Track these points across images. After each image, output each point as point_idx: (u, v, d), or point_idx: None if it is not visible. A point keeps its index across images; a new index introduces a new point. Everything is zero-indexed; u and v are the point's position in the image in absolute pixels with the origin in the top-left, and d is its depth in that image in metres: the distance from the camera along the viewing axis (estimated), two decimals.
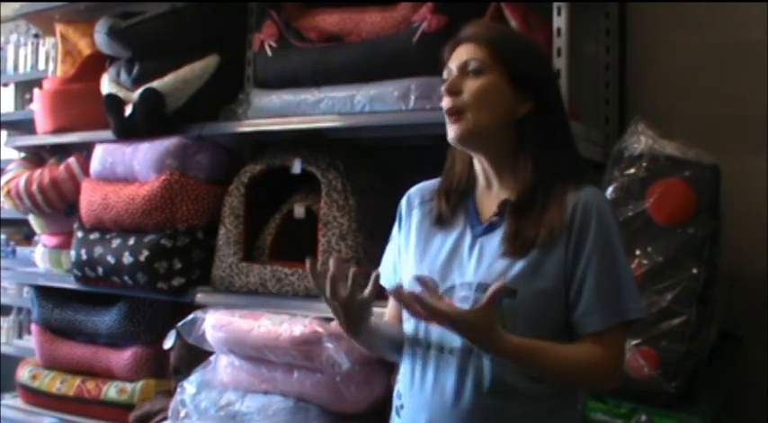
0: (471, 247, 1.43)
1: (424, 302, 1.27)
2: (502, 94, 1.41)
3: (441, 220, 1.49)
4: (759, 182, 2.20)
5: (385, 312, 1.64)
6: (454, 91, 1.42)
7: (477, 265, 1.41)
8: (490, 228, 1.44)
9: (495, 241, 1.41)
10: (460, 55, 1.44)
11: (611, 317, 1.37)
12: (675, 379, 1.82)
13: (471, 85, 1.41)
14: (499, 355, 1.33)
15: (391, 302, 1.62)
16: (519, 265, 1.37)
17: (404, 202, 1.59)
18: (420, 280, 1.36)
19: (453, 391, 1.38)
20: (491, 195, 1.47)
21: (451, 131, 1.43)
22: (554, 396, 1.41)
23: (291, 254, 2.34)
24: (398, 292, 1.30)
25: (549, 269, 1.37)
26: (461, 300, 1.39)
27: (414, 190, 1.59)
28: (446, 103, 1.43)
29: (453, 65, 1.45)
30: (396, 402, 1.50)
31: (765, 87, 2.21)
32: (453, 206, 1.49)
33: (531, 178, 1.40)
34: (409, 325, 1.48)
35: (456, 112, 1.41)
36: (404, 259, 1.54)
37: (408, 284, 1.48)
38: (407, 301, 1.28)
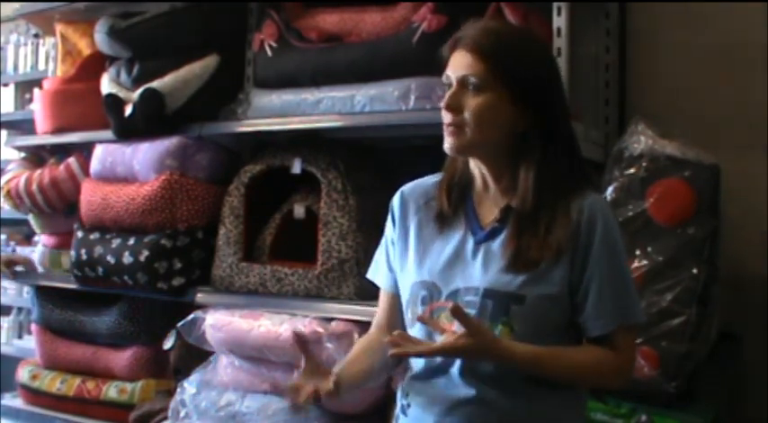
0: (475, 251, 1.43)
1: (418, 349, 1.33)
2: (502, 111, 1.38)
3: (441, 219, 1.48)
4: (759, 182, 2.20)
5: (374, 318, 1.63)
6: (453, 107, 1.39)
7: (483, 271, 1.40)
8: (492, 234, 1.43)
9: (498, 248, 1.41)
10: (459, 65, 1.40)
11: (615, 320, 1.39)
12: (675, 379, 1.83)
13: (471, 103, 1.38)
14: (507, 365, 1.35)
15: (383, 307, 1.60)
16: (526, 274, 1.38)
17: (397, 201, 1.57)
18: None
19: (461, 390, 1.39)
20: (489, 199, 1.47)
21: (448, 143, 1.41)
22: (558, 395, 1.42)
23: (291, 254, 2.34)
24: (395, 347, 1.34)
25: (556, 277, 1.38)
26: (467, 304, 1.39)
27: (407, 190, 1.57)
28: (446, 118, 1.41)
29: (452, 74, 1.41)
30: (402, 402, 1.50)
31: (765, 87, 2.21)
32: (454, 205, 1.48)
33: (533, 189, 1.39)
34: (416, 330, 1.46)
35: (455, 128, 1.39)
36: (402, 263, 1.53)
37: (410, 289, 1.48)
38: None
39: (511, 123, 1.40)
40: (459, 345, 1.31)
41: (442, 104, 1.41)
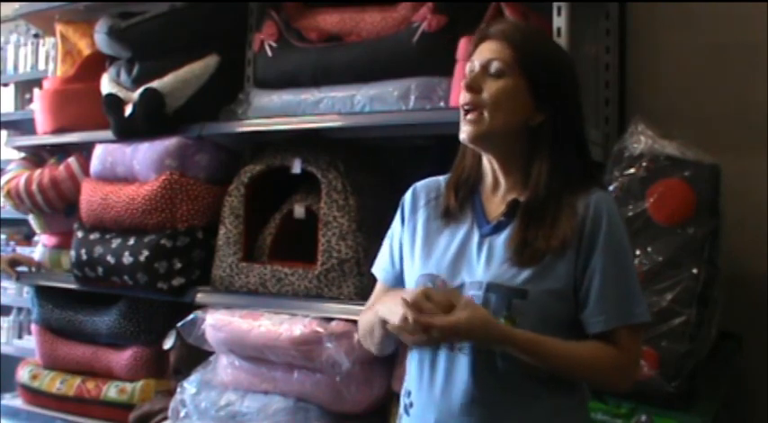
0: (480, 245, 1.44)
1: (420, 322, 1.29)
2: (520, 99, 1.40)
3: (447, 214, 1.49)
4: (759, 182, 2.20)
5: (368, 303, 1.63)
6: (474, 88, 1.41)
7: (487, 265, 1.41)
8: (498, 227, 1.44)
9: (503, 241, 1.42)
10: (486, 52, 1.43)
11: (617, 319, 1.39)
12: (675, 379, 1.82)
13: (491, 86, 1.40)
14: (508, 350, 1.34)
15: (377, 292, 1.61)
16: (530, 268, 1.38)
17: (409, 196, 1.58)
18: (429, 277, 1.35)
19: (463, 389, 1.39)
20: (498, 194, 1.47)
21: (464, 131, 1.42)
22: (563, 396, 1.42)
23: (291, 254, 2.34)
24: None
25: (559, 271, 1.38)
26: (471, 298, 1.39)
27: (420, 185, 1.58)
28: (464, 98, 1.42)
29: (477, 61, 1.44)
30: (404, 401, 1.50)
31: (765, 88, 2.21)
32: (461, 201, 1.49)
33: (543, 185, 1.40)
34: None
35: (473, 109, 1.41)
36: (408, 256, 1.54)
37: (416, 282, 1.48)
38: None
39: (526, 113, 1.41)
40: (456, 319, 1.30)
41: (463, 85, 1.43)
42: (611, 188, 1.95)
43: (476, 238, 1.45)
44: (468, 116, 1.41)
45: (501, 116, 1.40)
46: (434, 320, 1.29)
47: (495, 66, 1.40)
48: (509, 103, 1.40)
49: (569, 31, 2.08)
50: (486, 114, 1.40)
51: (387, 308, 1.39)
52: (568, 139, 1.43)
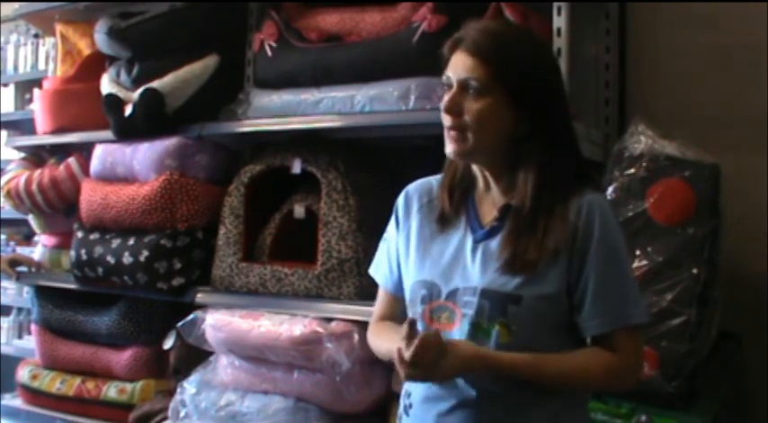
0: (473, 251, 1.43)
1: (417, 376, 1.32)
2: (502, 115, 1.38)
3: (442, 219, 1.48)
4: (759, 182, 2.20)
5: (375, 310, 1.63)
6: (454, 112, 1.39)
7: (482, 271, 1.40)
8: (491, 232, 1.43)
9: (496, 247, 1.41)
10: (460, 67, 1.39)
11: (613, 321, 1.38)
12: (675, 379, 1.82)
13: (472, 107, 1.37)
14: (498, 374, 1.35)
15: (382, 305, 1.61)
16: (523, 275, 1.37)
17: (401, 200, 1.57)
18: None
19: (462, 390, 1.39)
20: (490, 198, 1.47)
21: (449, 147, 1.41)
22: (563, 397, 1.42)
23: (291, 254, 2.34)
24: None
25: (553, 276, 1.37)
26: (465, 304, 1.39)
27: (411, 189, 1.58)
28: (446, 121, 1.40)
29: (453, 76, 1.40)
30: (404, 401, 1.50)
31: (766, 88, 2.21)
32: (456, 205, 1.48)
33: (532, 192, 1.39)
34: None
35: (457, 131, 1.39)
36: (404, 262, 1.54)
37: (411, 288, 1.48)
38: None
39: (511, 128, 1.39)
40: (444, 371, 1.31)
41: (442, 107, 1.41)
42: (611, 188, 1.95)
43: (469, 243, 1.44)
44: (452, 133, 1.40)
45: (485, 136, 1.38)
46: (428, 375, 1.32)
47: (473, 85, 1.37)
48: (492, 122, 1.38)
49: (569, 31, 2.08)
50: (470, 135, 1.38)
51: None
52: (557, 143, 1.41)
